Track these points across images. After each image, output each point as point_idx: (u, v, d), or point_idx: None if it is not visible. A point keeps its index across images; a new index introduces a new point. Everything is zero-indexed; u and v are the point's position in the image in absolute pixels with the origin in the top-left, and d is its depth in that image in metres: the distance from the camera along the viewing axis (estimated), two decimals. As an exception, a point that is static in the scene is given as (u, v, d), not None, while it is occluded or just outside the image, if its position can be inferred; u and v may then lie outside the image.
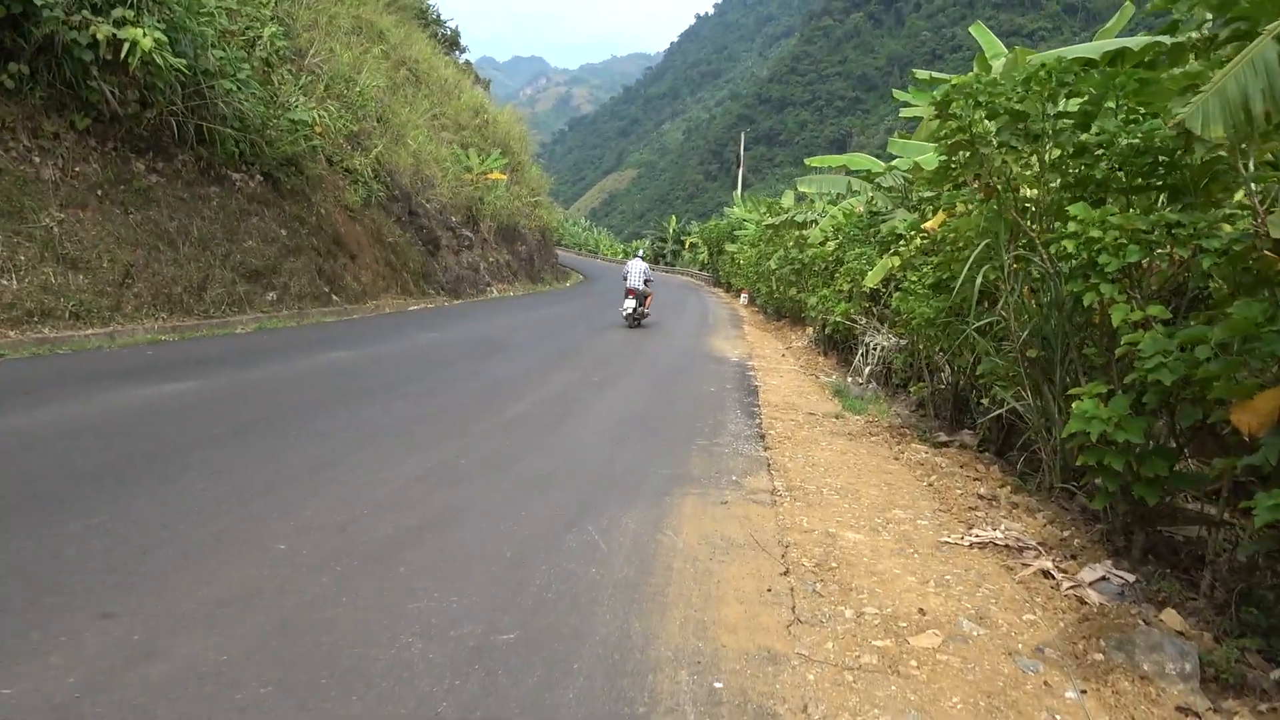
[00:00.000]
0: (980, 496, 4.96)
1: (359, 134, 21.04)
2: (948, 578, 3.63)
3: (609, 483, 4.69)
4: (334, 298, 16.97)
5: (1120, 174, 4.48)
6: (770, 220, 15.87)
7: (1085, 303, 4.17)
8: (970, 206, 6.02)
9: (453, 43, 53.13)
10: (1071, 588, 3.72)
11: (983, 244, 4.63)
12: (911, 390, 8.25)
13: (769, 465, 5.50)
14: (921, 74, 12.59)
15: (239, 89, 13.49)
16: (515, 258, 36.27)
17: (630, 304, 16.55)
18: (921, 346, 8.52)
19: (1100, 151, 4.48)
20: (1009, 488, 5.32)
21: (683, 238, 61.58)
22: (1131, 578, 4.05)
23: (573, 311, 21.33)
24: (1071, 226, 4.17)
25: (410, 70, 31.50)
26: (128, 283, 11.44)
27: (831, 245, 12.64)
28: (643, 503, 4.35)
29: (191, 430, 4.97)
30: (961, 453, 6.16)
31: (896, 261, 9.22)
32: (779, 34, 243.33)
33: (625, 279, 17.22)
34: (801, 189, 12.24)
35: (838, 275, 11.37)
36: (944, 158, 6.64)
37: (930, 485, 5.26)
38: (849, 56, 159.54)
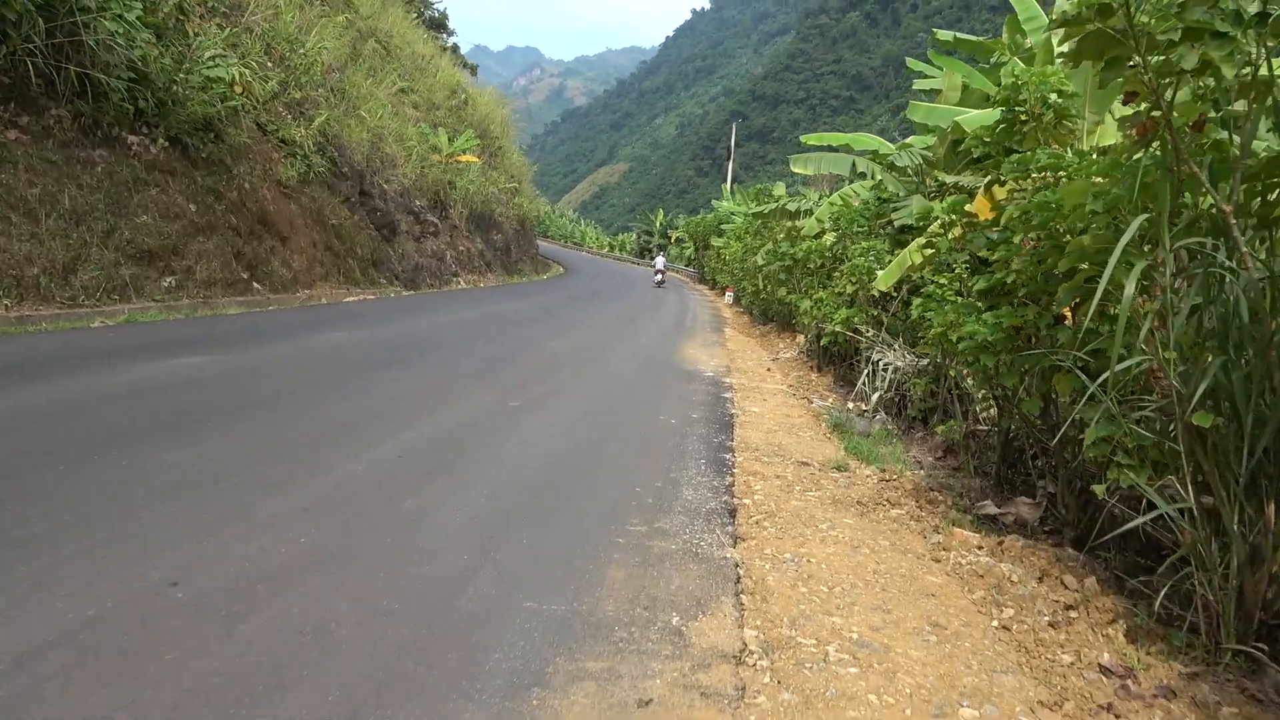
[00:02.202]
0: (1103, 669, 2.83)
1: (302, 102, 18.76)
2: None
3: (429, 649, 2.50)
4: (255, 285, 14.72)
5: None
6: (758, 209, 13.74)
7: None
8: (1062, 175, 3.89)
9: (439, 25, 50.87)
10: None
11: (1137, 222, 2.48)
12: (938, 430, 6.13)
13: (739, 579, 3.36)
14: (944, 35, 10.47)
15: (124, 31, 11.20)
16: (489, 247, 34.03)
17: (659, 276, 35.10)
18: (952, 373, 6.41)
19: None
20: (1124, 628, 3.21)
21: (669, 232, 59.34)
22: None
23: (537, 305, 19.12)
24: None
25: (380, 43, 29.23)
26: (-44, 260, 9.23)
27: (830, 238, 10.52)
28: (474, 715, 2.18)
29: None
30: (1033, 548, 4.03)
31: (919, 258, 7.10)
32: (774, 31, 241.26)
33: (655, 264, 36.57)
34: (795, 169, 10.15)
35: (838, 274, 9.24)
36: (1013, 105, 4.53)
37: (1006, 631, 3.12)
38: (844, 56, 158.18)
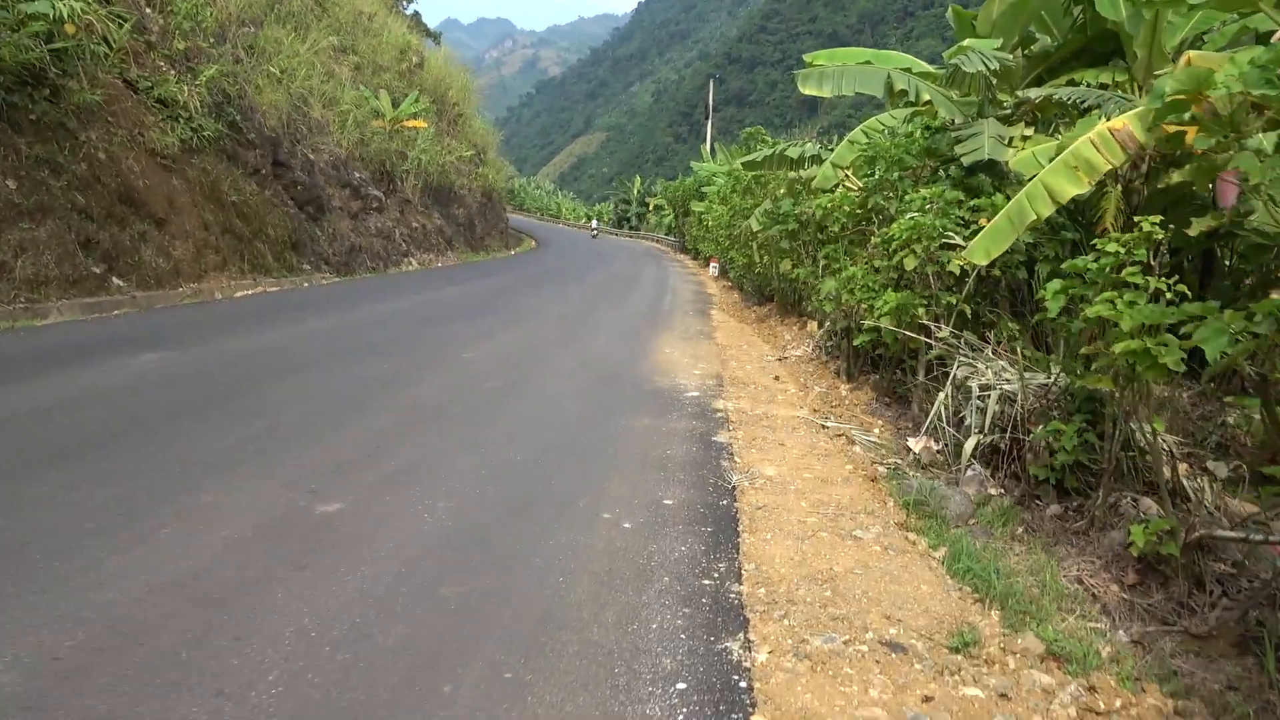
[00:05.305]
0: None
1: (189, 54, 15.39)
2: None
3: None
4: (115, 281, 11.53)
5: None
6: (749, 157, 10.62)
7: None
8: None
9: (401, -8, 46.98)
10: None
11: None
12: (1135, 539, 3.13)
13: None
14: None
15: None
16: (450, 222, 30.71)
17: (594, 233, 53.46)
18: (1153, 424, 3.43)
19: None
20: None
21: (647, 199, 55.89)
22: None
23: (486, 289, 16.01)
24: None
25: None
26: None
27: (854, 190, 7.45)
28: None
29: None
30: None
31: (1047, 208, 4.09)
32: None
33: (591, 225, 55.28)
34: (806, 90, 7.09)
35: (876, 240, 6.20)
36: None
37: None
38: (819, 14, 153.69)
